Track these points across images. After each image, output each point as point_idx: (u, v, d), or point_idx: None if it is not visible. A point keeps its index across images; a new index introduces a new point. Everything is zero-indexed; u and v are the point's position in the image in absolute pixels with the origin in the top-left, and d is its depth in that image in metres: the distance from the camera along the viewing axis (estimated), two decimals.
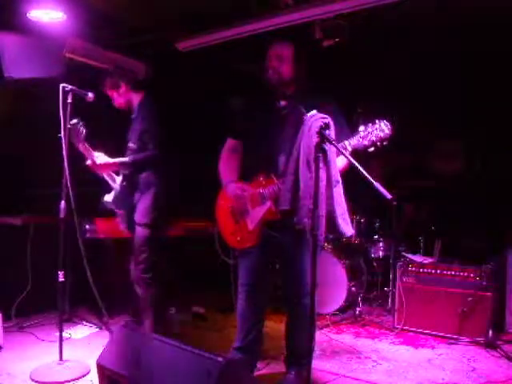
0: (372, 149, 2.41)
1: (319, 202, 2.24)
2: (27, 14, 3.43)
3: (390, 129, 2.38)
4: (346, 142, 2.44)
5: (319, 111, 2.40)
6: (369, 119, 2.49)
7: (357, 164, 2.29)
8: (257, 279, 2.78)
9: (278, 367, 3.05)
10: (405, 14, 3.60)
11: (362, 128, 2.42)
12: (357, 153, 2.43)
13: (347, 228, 2.45)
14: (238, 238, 2.73)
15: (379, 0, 3.22)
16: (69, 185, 2.91)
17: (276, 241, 2.68)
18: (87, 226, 3.84)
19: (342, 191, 2.46)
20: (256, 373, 2.93)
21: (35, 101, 3.98)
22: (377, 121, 2.41)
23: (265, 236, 2.66)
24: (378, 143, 2.39)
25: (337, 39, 3.79)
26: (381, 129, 2.39)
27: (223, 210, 2.81)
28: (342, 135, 2.49)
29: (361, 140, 2.41)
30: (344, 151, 2.31)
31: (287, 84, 2.67)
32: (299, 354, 2.71)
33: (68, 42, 3.84)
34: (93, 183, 3.71)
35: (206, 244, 4.98)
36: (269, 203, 2.59)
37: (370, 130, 2.40)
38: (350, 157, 2.28)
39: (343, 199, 2.45)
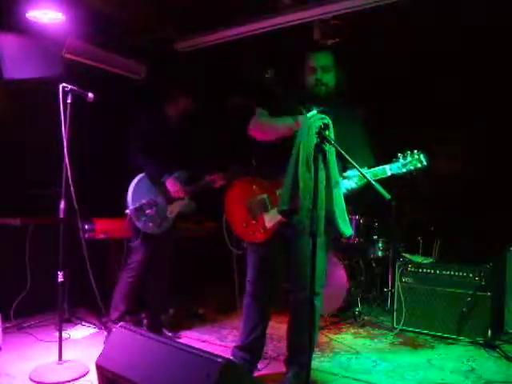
0: (405, 174, 2.54)
1: (318, 202, 2.26)
2: (26, 15, 3.42)
3: (427, 161, 2.51)
4: (387, 167, 2.55)
5: (343, 117, 2.50)
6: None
7: (356, 165, 2.32)
8: (263, 276, 2.82)
9: (278, 367, 3.04)
10: (404, 14, 3.60)
11: (400, 156, 2.54)
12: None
13: (347, 228, 2.46)
14: (251, 232, 2.77)
15: (378, 1, 3.23)
16: (71, 184, 2.91)
17: (283, 237, 2.72)
18: (86, 226, 3.84)
19: (342, 191, 2.48)
20: (256, 373, 2.92)
21: (35, 101, 3.97)
22: (415, 151, 2.53)
23: (276, 234, 2.70)
24: (414, 173, 2.52)
25: (336, 40, 3.80)
26: (419, 160, 2.52)
27: (239, 202, 2.82)
28: (359, 145, 2.59)
29: (400, 167, 2.53)
30: (345, 154, 2.31)
31: (333, 92, 2.70)
32: (299, 352, 2.72)
33: (67, 42, 3.84)
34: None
35: (203, 243, 5.01)
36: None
37: (409, 159, 2.52)
38: (349, 158, 2.29)
39: (343, 199, 2.47)
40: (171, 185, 3.50)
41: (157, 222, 3.48)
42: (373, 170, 2.56)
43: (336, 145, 2.30)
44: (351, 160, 2.30)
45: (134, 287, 3.52)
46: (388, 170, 2.54)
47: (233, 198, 2.89)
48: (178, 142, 3.64)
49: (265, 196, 2.73)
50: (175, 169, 3.58)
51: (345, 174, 2.60)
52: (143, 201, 3.45)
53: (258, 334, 2.84)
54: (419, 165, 2.51)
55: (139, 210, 3.42)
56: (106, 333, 3.52)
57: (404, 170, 2.52)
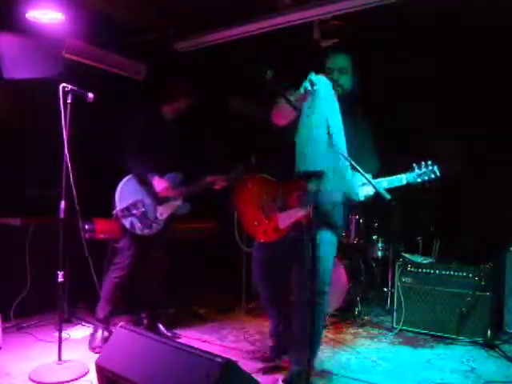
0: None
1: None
2: (26, 15, 3.42)
3: (440, 173, 2.63)
4: (404, 176, 2.66)
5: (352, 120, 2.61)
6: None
7: (356, 165, 2.34)
8: (273, 275, 2.91)
9: (278, 367, 3.06)
10: (404, 15, 3.60)
11: (415, 166, 2.65)
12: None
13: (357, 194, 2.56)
14: (262, 231, 2.84)
15: (378, 1, 3.23)
16: (72, 184, 2.90)
17: (291, 237, 2.76)
18: (86, 226, 3.83)
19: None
20: (255, 373, 2.92)
21: (35, 101, 3.97)
22: (429, 162, 2.65)
23: (288, 234, 2.75)
24: (427, 184, 2.65)
25: (335, 40, 3.80)
26: (433, 171, 2.64)
27: (252, 201, 2.88)
28: (367, 149, 2.69)
29: (416, 177, 2.65)
30: (346, 156, 2.36)
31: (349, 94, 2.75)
32: (302, 351, 2.73)
33: (67, 42, 3.84)
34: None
35: (203, 243, 5.01)
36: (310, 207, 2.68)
37: (424, 170, 2.64)
38: (349, 158, 2.34)
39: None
40: (157, 183, 3.42)
41: (146, 223, 3.43)
42: (389, 178, 2.66)
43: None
44: (352, 161, 2.33)
45: (120, 287, 3.46)
46: (404, 179, 2.66)
47: (245, 197, 2.94)
48: (174, 142, 3.59)
49: (279, 196, 2.76)
50: (172, 170, 3.55)
51: (363, 181, 2.61)
52: (130, 201, 3.39)
53: (280, 331, 3.03)
54: (433, 176, 2.63)
55: (126, 210, 3.36)
56: (92, 331, 3.47)
57: (419, 180, 2.64)
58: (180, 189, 3.59)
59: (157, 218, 3.51)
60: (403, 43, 4.08)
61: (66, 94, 2.90)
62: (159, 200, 3.52)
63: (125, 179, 3.45)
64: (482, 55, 4.15)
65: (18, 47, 3.63)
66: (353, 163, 2.30)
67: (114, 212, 3.36)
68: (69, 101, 2.91)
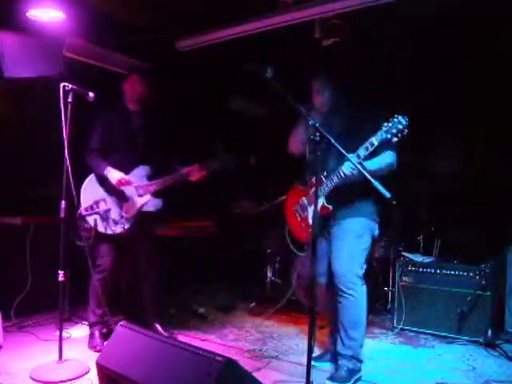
0: (395, 139, 2.66)
1: None
2: (26, 13, 3.42)
3: (407, 121, 2.64)
4: (373, 139, 2.69)
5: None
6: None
7: (357, 164, 2.36)
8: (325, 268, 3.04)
9: (278, 366, 3.07)
10: (404, 14, 3.59)
11: (384, 123, 2.68)
12: None
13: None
14: (305, 234, 3.08)
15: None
16: (71, 183, 2.89)
17: (327, 231, 3.00)
18: (87, 225, 3.83)
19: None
20: (255, 372, 2.93)
21: (35, 100, 3.97)
22: (395, 115, 2.67)
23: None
24: (399, 134, 2.64)
25: (336, 39, 3.79)
26: (399, 121, 2.64)
27: (291, 208, 3.20)
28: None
29: (383, 134, 2.67)
30: (345, 153, 2.48)
31: None
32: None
33: (67, 41, 3.83)
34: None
35: (203, 243, 5.02)
36: (321, 199, 2.87)
37: (390, 124, 2.66)
38: (350, 158, 2.45)
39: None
40: (111, 176, 3.31)
41: (109, 221, 3.33)
42: (361, 148, 2.69)
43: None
44: (351, 160, 2.36)
45: (105, 289, 3.38)
46: (375, 140, 2.68)
47: (288, 209, 3.24)
48: (142, 136, 3.47)
49: (304, 199, 3.10)
50: (140, 163, 3.45)
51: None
52: (93, 200, 3.32)
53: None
54: (400, 126, 2.63)
55: (90, 209, 3.28)
56: (88, 336, 3.45)
57: (389, 136, 2.64)
58: (149, 183, 3.43)
59: (122, 216, 3.37)
60: (403, 42, 4.07)
61: (66, 93, 2.89)
62: (124, 197, 3.39)
63: (88, 178, 3.39)
64: (482, 55, 4.15)
65: (19, 46, 3.62)
66: (350, 159, 2.46)
67: (79, 211, 3.25)
68: (69, 100, 2.90)
